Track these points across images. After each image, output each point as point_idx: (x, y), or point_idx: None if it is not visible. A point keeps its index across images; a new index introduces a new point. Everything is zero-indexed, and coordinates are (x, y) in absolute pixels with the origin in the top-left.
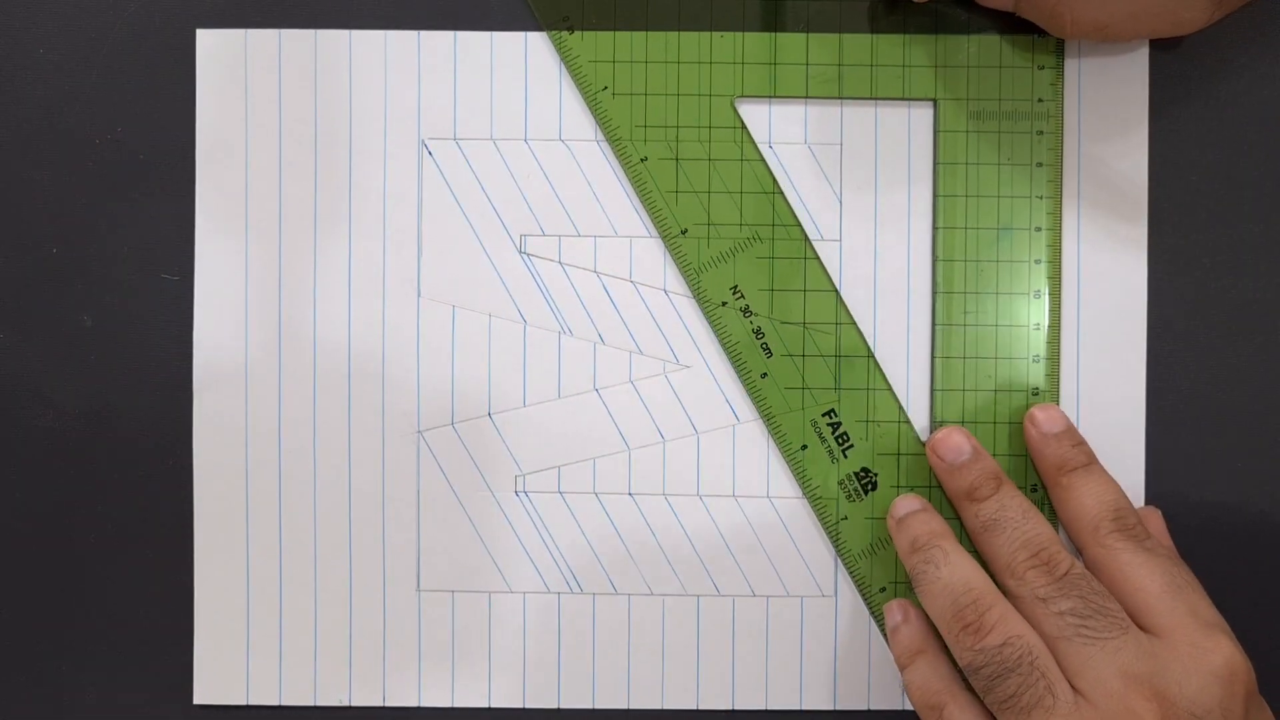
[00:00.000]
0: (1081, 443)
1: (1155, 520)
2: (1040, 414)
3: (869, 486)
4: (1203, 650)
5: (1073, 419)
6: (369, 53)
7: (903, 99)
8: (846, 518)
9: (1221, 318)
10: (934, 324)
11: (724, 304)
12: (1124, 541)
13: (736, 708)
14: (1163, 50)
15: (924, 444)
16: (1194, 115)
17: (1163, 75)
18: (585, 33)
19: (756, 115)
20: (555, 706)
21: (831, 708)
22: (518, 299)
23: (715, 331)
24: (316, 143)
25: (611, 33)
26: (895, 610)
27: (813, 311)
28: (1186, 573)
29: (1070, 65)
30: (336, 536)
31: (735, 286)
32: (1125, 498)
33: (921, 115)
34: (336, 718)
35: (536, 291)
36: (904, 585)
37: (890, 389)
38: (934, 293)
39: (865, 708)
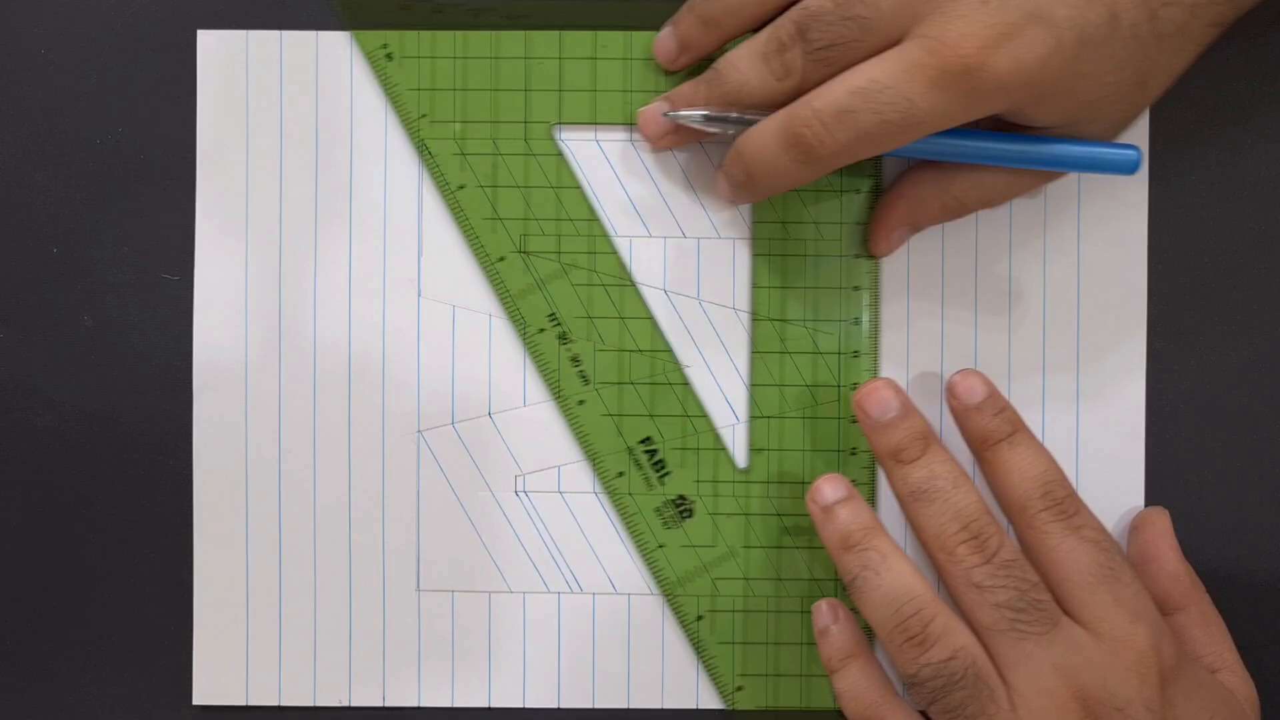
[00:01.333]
0: (1004, 409)
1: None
2: (959, 383)
3: (685, 514)
4: (1120, 643)
5: (1073, 418)
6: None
7: None
8: (663, 545)
9: (1221, 318)
10: (752, 350)
11: (541, 330)
12: (1052, 523)
13: (736, 707)
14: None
15: (741, 471)
16: (1194, 115)
17: None
18: (405, 60)
19: (576, 143)
20: (555, 706)
21: (832, 707)
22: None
23: (532, 359)
24: (317, 143)
25: (431, 60)
26: (825, 611)
27: (630, 339)
28: (1113, 556)
29: None
30: (336, 536)
31: (553, 314)
32: (1054, 467)
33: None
34: (336, 718)
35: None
36: (721, 614)
37: (707, 416)
38: (752, 319)
39: None
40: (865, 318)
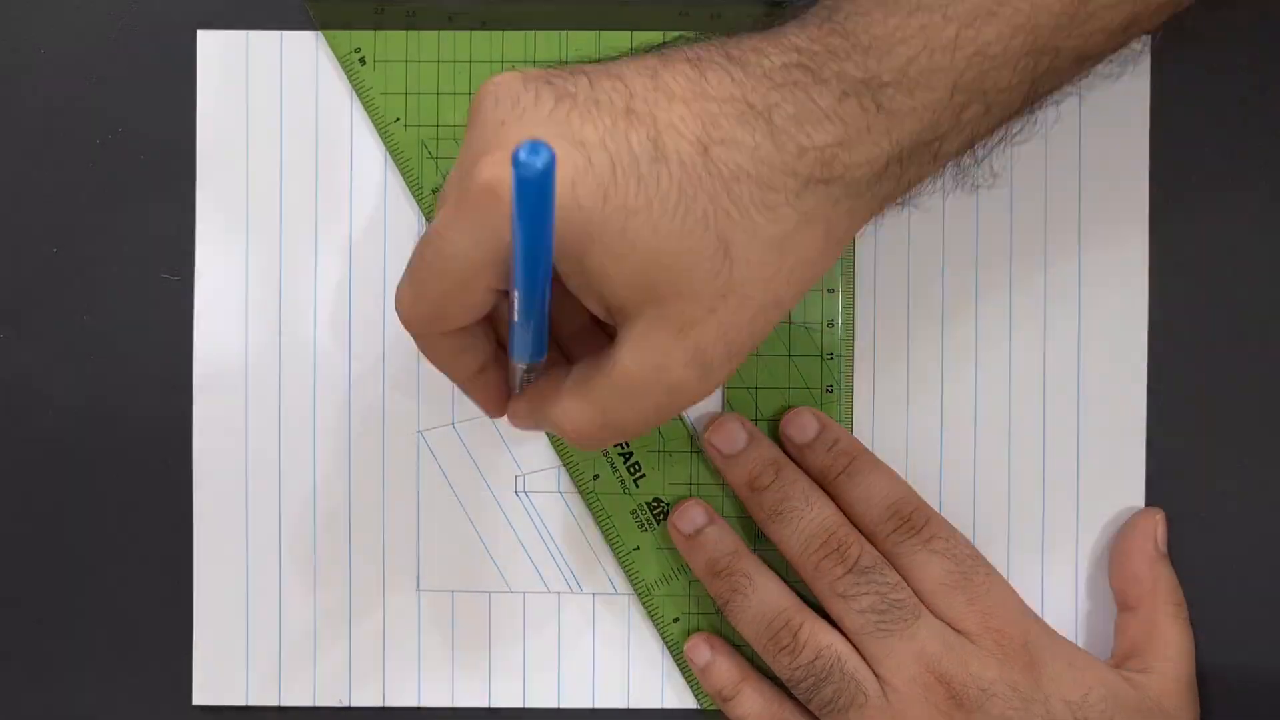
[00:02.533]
0: (837, 442)
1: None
2: (791, 423)
3: (660, 516)
4: (977, 634)
5: (1073, 419)
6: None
7: None
8: (639, 548)
9: (1221, 318)
10: None
11: None
12: (902, 542)
13: (711, 708)
14: (1165, 49)
15: (716, 474)
16: (1195, 115)
17: (1164, 74)
18: (377, 63)
19: None
20: (555, 706)
21: None
22: None
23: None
24: (317, 143)
25: (403, 63)
26: (702, 648)
27: None
28: (963, 561)
29: None
30: (336, 536)
31: None
32: (896, 487)
33: None
34: (336, 718)
35: None
36: (698, 616)
37: (682, 419)
38: None
39: None
40: (840, 320)
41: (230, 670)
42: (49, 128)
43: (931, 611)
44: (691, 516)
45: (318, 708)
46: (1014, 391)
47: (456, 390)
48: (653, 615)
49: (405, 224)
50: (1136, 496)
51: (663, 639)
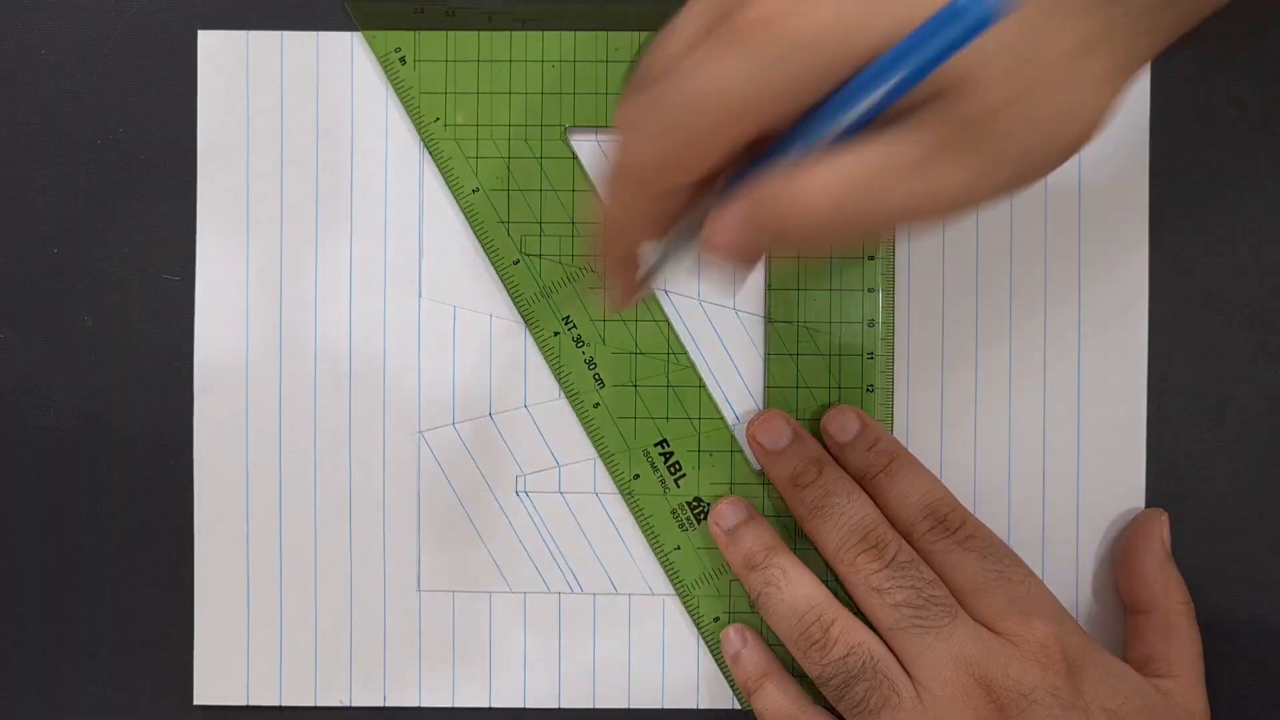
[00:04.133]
0: (877, 441)
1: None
2: (832, 421)
3: (701, 516)
4: (1018, 636)
5: (1073, 418)
6: (369, 54)
7: None
8: (679, 548)
9: (1221, 317)
10: (766, 353)
11: (556, 334)
12: (938, 540)
13: (737, 708)
14: (1164, 50)
15: (757, 473)
16: (1195, 115)
17: (1164, 74)
18: (418, 63)
19: (589, 145)
20: (555, 706)
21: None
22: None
23: (548, 362)
24: (317, 143)
25: (444, 63)
26: (734, 637)
27: (644, 342)
28: (1001, 559)
29: None
30: (337, 536)
31: (568, 317)
32: (935, 487)
33: None
34: (337, 718)
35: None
36: (738, 615)
37: (722, 418)
38: (766, 320)
39: None
40: (880, 320)
41: (231, 670)
42: (49, 128)
43: (969, 613)
44: (731, 512)
45: (318, 708)
46: (1014, 392)
47: (456, 390)
48: (693, 615)
49: (406, 224)
50: (1136, 496)
51: (702, 639)
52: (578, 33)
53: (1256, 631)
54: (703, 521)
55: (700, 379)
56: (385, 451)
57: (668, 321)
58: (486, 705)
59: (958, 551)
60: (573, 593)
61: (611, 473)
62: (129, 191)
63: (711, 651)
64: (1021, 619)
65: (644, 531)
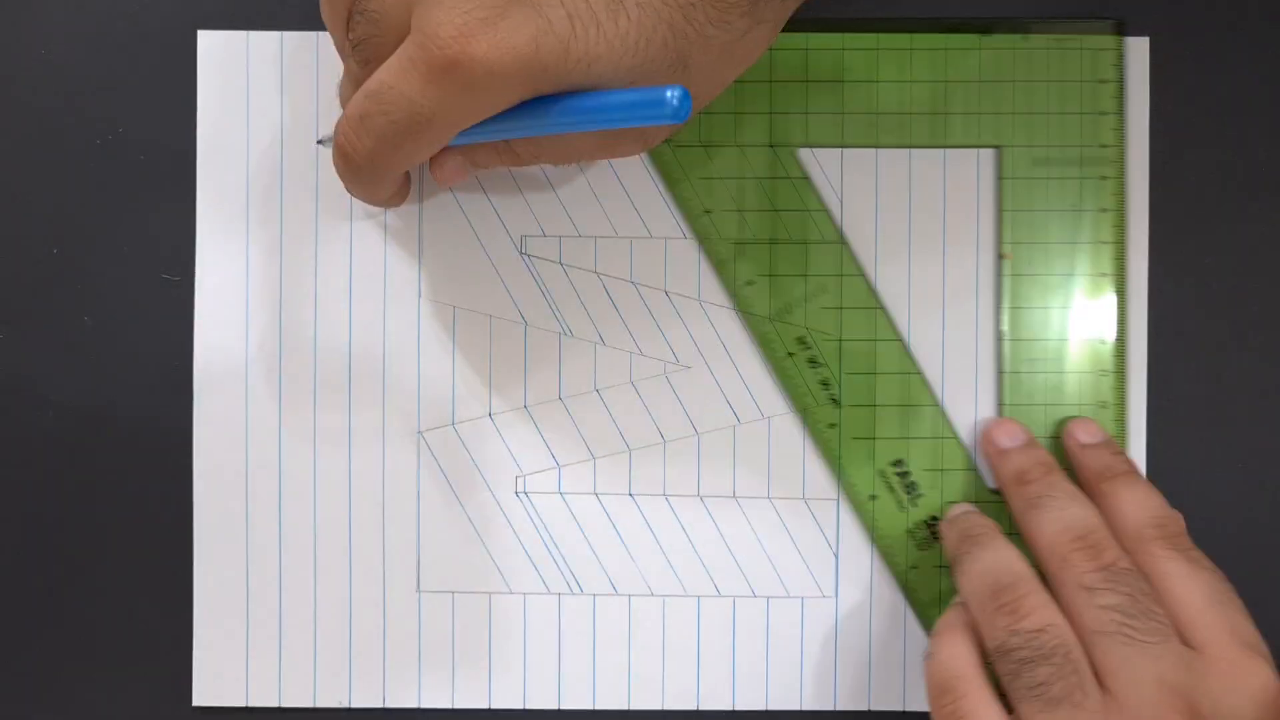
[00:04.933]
0: (1122, 452)
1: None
2: (1078, 427)
3: (937, 535)
4: (1241, 670)
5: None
6: None
7: (970, 146)
8: (916, 567)
9: (1222, 318)
10: (1000, 371)
11: (790, 355)
12: (1167, 550)
13: (736, 708)
14: (1164, 48)
15: (992, 492)
16: (1195, 114)
17: (1164, 73)
18: None
19: (821, 164)
20: (555, 707)
21: (832, 708)
22: (518, 300)
23: (783, 383)
24: (316, 143)
25: None
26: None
27: (880, 361)
28: (1229, 588)
29: None
30: (336, 537)
31: (802, 338)
32: (1169, 508)
33: (986, 160)
34: (337, 719)
35: (537, 292)
36: None
37: (958, 437)
38: (999, 339)
39: (865, 708)
40: (1112, 336)
41: (230, 671)
42: (49, 128)
43: (1187, 632)
44: (957, 508)
45: (317, 709)
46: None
47: (456, 390)
48: (928, 633)
49: (405, 223)
50: None
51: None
52: (809, 50)
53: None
54: (939, 540)
55: (935, 397)
56: (385, 452)
57: (902, 341)
58: (486, 707)
59: (1185, 566)
60: (572, 594)
61: (847, 493)
62: (129, 191)
63: None
64: (1242, 651)
65: (881, 551)
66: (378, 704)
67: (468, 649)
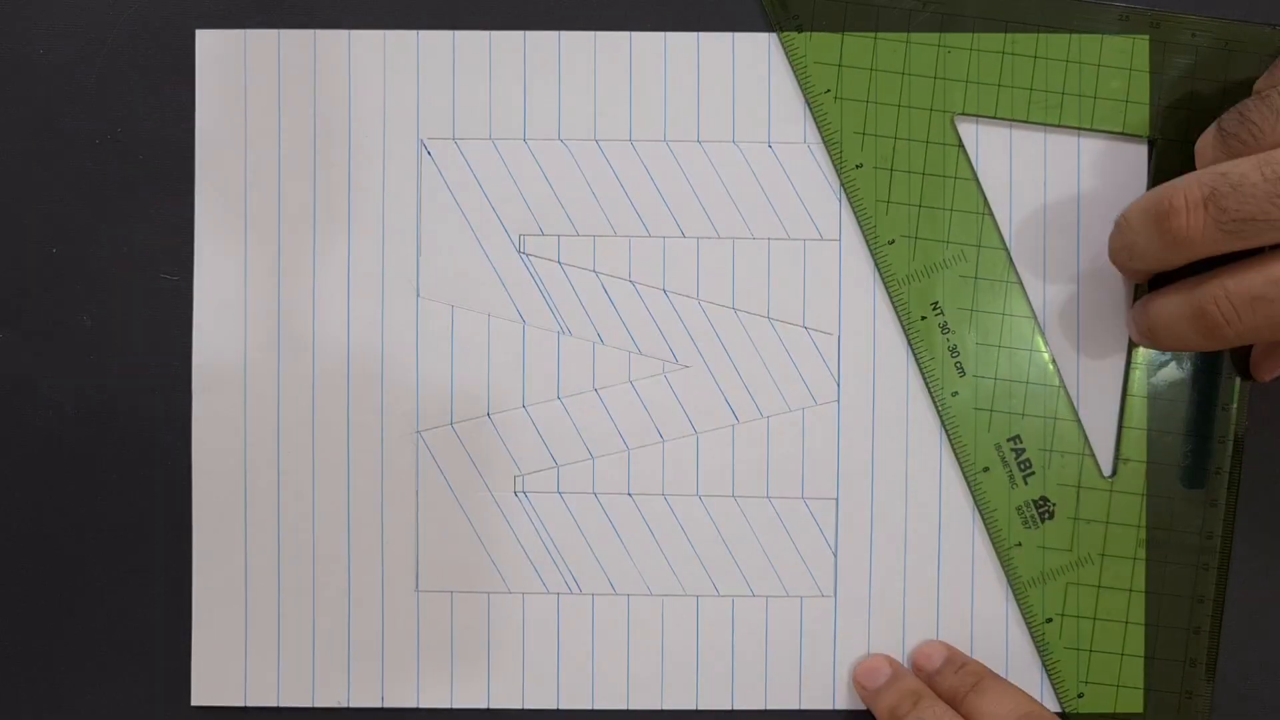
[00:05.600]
0: (965, 664)
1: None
2: (920, 656)
3: (1045, 515)
4: None
5: (1073, 417)
6: (368, 52)
7: (1120, 134)
8: (1020, 544)
9: None
10: (1129, 363)
11: (923, 318)
12: None
13: (736, 708)
14: (1164, 48)
15: (1106, 479)
16: (1195, 115)
17: (1164, 74)
18: (815, 34)
19: (973, 133)
20: (555, 707)
21: (831, 707)
22: (517, 299)
23: (911, 344)
24: (315, 143)
25: (840, 35)
26: (884, 669)
27: (1009, 336)
28: None
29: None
30: (335, 537)
31: (936, 302)
32: (1022, 700)
33: (1136, 152)
34: (335, 719)
35: (536, 291)
36: (1070, 619)
37: (1077, 420)
38: (1130, 356)
39: (864, 708)
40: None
41: (229, 671)
42: (49, 128)
43: None
44: (874, 673)
45: (316, 708)
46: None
47: (455, 390)
48: (1025, 613)
49: (404, 223)
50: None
51: (1031, 638)
52: (978, 35)
53: (1257, 632)
54: (1046, 520)
55: (1061, 379)
56: (383, 451)
57: (1034, 318)
58: (485, 706)
59: None
60: (571, 593)
61: (961, 461)
62: (128, 191)
63: (1039, 650)
64: None
65: (986, 525)
66: (376, 704)
67: (466, 648)
